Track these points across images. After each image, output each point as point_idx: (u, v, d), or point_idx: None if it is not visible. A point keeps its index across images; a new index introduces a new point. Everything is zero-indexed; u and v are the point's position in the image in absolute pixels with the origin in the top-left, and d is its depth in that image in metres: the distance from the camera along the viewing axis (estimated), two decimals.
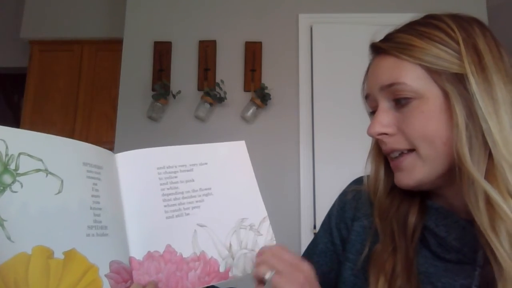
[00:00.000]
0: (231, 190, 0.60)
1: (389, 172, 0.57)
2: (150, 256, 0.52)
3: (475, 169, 0.45)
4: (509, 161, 0.44)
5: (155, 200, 0.55)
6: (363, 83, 0.59)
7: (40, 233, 0.44)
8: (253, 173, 0.63)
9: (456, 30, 0.50)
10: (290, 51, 2.54)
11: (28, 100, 2.96)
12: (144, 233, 0.53)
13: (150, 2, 2.62)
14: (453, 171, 0.48)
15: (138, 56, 2.56)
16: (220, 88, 2.45)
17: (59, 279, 0.44)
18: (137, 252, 0.52)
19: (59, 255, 0.45)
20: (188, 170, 0.58)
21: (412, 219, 0.54)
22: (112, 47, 2.92)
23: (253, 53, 2.53)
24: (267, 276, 0.50)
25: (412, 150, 0.51)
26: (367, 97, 0.57)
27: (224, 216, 0.58)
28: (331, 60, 2.49)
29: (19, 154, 0.45)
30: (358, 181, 0.66)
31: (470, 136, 0.46)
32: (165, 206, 0.55)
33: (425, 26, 0.53)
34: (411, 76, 0.50)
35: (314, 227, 2.30)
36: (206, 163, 0.60)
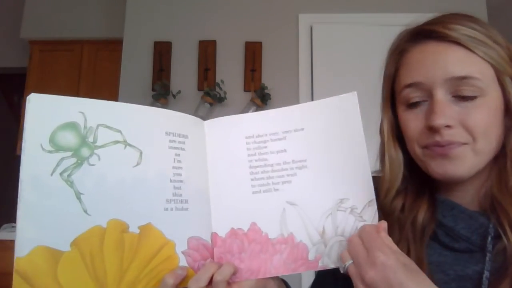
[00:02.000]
0: (331, 162, 0.50)
1: (406, 166, 0.57)
2: (233, 233, 0.48)
3: None
4: None
5: (242, 172, 0.50)
6: (389, 68, 0.58)
7: (116, 207, 0.43)
8: (364, 141, 0.50)
9: (502, 38, 0.53)
10: (290, 51, 2.54)
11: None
12: (228, 208, 0.49)
13: (150, 2, 2.62)
14: (486, 167, 0.52)
15: (138, 56, 2.56)
16: (220, 88, 2.44)
17: (134, 254, 0.44)
18: (220, 228, 0.49)
19: (134, 229, 0.44)
20: (280, 139, 0.51)
21: (422, 214, 0.55)
22: (112, 47, 2.92)
23: (253, 53, 2.53)
24: (346, 264, 0.45)
25: (465, 143, 0.51)
26: (412, 85, 0.53)
27: (319, 194, 0.49)
28: (331, 60, 2.49)
29: (98, 126, 0.44)
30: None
31: None
32: (252, 179, 0.50)
33: (483, 27, 0.53)
34: (482, 72, 0.50)
35: None
36: (302, 129, 0.51)
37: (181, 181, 0.48)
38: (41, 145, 0.41)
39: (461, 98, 0.50)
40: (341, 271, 0.46)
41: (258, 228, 0.49)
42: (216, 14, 2.60)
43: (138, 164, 0.46)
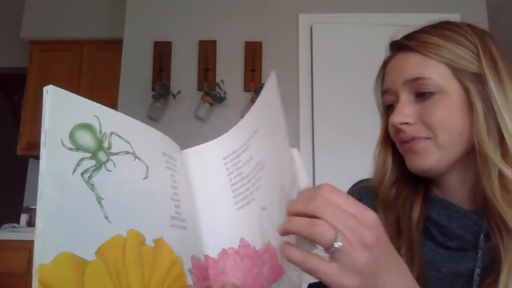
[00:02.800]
0: (276, 153, 0.47)
1: (396, 163, 0.62)
2: (225, 253, 0.48)
3: (493, 153, 0.52)
4: None
5: (225, 192, 0.50)
6: (378, 79, 0.64)
7: (132, 217, 0.42)
8: (282, 118, 0.47)
9: (473, 36, 0.57)
10: (290, 51, 2.54)
11: (28, 100, 2.96)
12: (217, 229, 0.49)
13: (150, 2, 2.62)
14: (461, 162, 0.56)
15: (138, 56, 2.56)
16: (220, 88, 2.44)
17: (152, 268, 0.42)
18: (211, 249, 0.49)
19: (149, 242, 0.42)
20: (247, 148, 0.51)
21: (417, 210, 0.58)
22: (112, 47, 2.92)
23: (253, 53, 2.53)
24: (337, 245, 0.33)
25: (428, 138, 0.55)
26: (385, 91, 0.61)
27: (276, 190, 0.46)
28: (331, 60, 2.49)
29: (111, 133, 0.43)
30: (362, 181, 0.70)
31: (488, 127, 0.53)
32: (234, 197, 0.50)
33: (447, 30, 0.58)
34: (436, 72, 0.55)
35: None
36: (257, 130, 0.50)
37: (179, 200, 0.48)
38: (61, 140, 0.38)
39: (420, 97, 0.56)
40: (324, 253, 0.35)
41: (247, 243, 0.48)
42: (216, 14, 2.60)
43: (146, 177, 0.45)
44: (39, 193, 0.36)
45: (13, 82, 3.83)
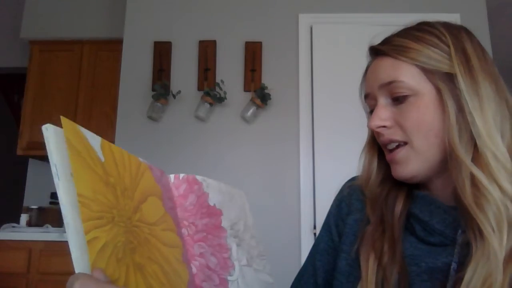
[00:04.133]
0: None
1: (381, 163, 0.63)
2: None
3: (464, 154, 0.51)
4: (492, 150, 0.51)
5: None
6: (362, 84, 0.65)
7: None
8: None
9: (446, 35, 0.57)
10: (290, 51, 2.54)
11: (28, 100, 2.96)
12: None
13: (150, 2, 2.62)
14: (443, 164, 0.55)
15: (138, 56, 2.56)
16: (220, 88, 2.44)
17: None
18: None
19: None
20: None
21: (399, 206, 0.59)
22: (112, 47, 2.92)
23: (253, 53, 2.53)
24: None
25: (406, 143, 0.56)
26: (366, 96, 0.62)
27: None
28: (331, 60, 2.49)
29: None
30: (353, 179, 0.71)
31: (459, 127, 0.52)
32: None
33: (420, 31, 0.59)
34: (407, 75, 0.56)
35: (314, 227, 2.30)
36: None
37: None
38: (70, 173, 0.38)
39: (396, 100, 0.57)
40: None
41: None
42: (216, 14, 2.60)
43: None
44: (65, 222, 0.37)
45: (13, 82, 3.83)
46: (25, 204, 3.04)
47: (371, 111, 0.62)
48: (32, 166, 3.17)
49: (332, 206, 0.71)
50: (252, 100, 2.41)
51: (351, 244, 0.62)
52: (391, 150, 0.58)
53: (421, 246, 0.56)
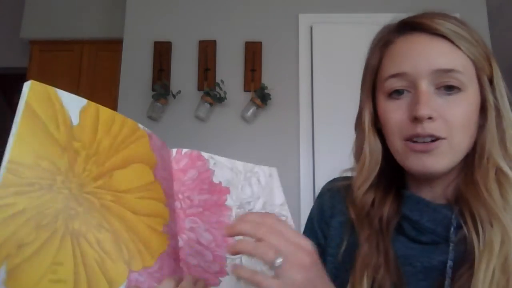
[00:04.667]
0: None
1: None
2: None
3: (499, 155, 0.52)
4: None
5: None
6: (374, 57, 0.58)
7: None
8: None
9: (480, 37, 0.55)
10: (290, 51, 2.54)
11: None
12: None
13: (150, 2, 2.62)
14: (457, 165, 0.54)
15: (138, 56, 2.56)
16: (220, 88, 2.45)
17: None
18: None
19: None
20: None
21: (387, 209, 0.58)
22: (112, 47, 2.92)
23: (253, 53, 2.53)
24: (278, 262, 0.40)
25: (444, 138, 0.52)
26: (397, 75, 0.54)
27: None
28: (331, 60, 2.49)
29: None
30: (333, 181, 0.69)
31: (496, 131, 0.53)
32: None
33: (464, 25, 0.55)
34: (465, 66, 0.52)
35: None
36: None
37: None
38: None
39: (443, 90, 0.52)
40: (270, 267, 0.41)
41: None
42: (216, 14, 2.60)
43: None
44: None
45: (13, 82, 3.82)
46: None
47: (394, 93, 0.54)
48: None
49: (313, 209, 0.70)
50: (252, 100, 2.41)
51: (337, 247, 0.61)
52: (425, 142, 0.52)
53: (413, 245, 0.56)
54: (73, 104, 0.43)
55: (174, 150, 0.55)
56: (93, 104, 0.44)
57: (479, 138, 0.54)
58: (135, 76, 2.54)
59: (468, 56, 0.52)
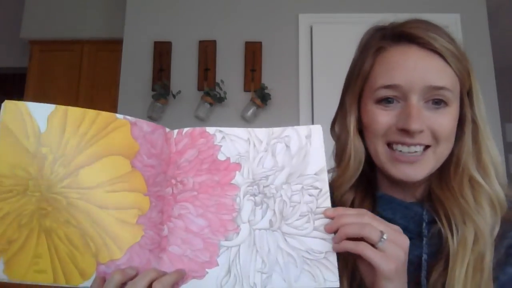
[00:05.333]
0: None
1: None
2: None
3: (471, 165, 0.57)
4: (493, 162, 0.58)
5: None
6: (366, 63, 0.59)
7: None
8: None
9: (466, 55, 0.58)
10: (290, 51, 2.54)
11: (28, 100, 2.95)
12: None
13: (150, 2, 2.62)
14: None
15: (138, 56, 2.56)
16: (220, 88, 2.45)
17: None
18: None
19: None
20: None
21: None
22: (112, 47, 2.92)
23: (253, 53, 2.53)
24: (384, 238, 0.45)
25: (428, 146, 0.56)
26: (392, 86, 0.55)
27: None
28: (331, 60, 2.49)
29: None
30: None
31: (472, 141, 0.57)
32: None
33: (453, 40, 0.57)
34: (453, 83, 0.55)
35: None
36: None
37: None
38: None
39: (431, 104, 0.55)
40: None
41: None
42: (216, 14, 2.60)
43: None
44: None
45: (13, 82, 3.82)
46: None
47: (384, 100, 0.56)
48: None
49: None
50: (252, 100, 2.41)
51: None
52: (411, 152, 0.56)
53: None
54: (40, 112, 0.48)
55: (175, 132, 0.52)
56: (61, 108, 0.48)
57: (455, 148, 0.58)
58: (135, 76, 2.54)
59: (456, 73, 0.55)
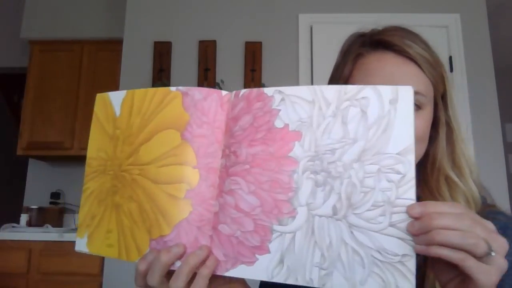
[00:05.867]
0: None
1: None
2: None
3: (447, 165, 0.59)
4: (468, 164, 0.60)
5: None
6: (344, 69, 0.63)
7: None
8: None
9: (441, 61, 0.61)
10: (290, 51, 2.54)
11: (28, 100, 2.96)
12: None
13: (150, 2, 2.62)
14: None
15: (138, 56, 2.56)
16: (220, 88, 2.44)
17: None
18: None
19: None
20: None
21: None
22: (112, 47, 2.92)
23: (253, 53, 2.53)
24: (492, 254, 0.37)
25: None
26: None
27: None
28: (331, 60, 2.48)
29: None
30: None
31: (447, 147, 0.60)
32: None
33: (428, 47, 0.60)
34: (426, 88, 0.58)
35: None
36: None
37: None
38: None
39: None
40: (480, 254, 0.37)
41: None
42: (216, 14, 2.60)
43: None
44: None
45: (13, 82, 3.82)
46: (25, 204, 3.04)
47: None
48: (32, 166, 3.17)
49: None
50: None
51: None
52: None
53: None
54: (117, 99, 0.52)
55: (232, 94, 0.46)
56: (129, 92, 0.51)
57: (431, 149, 0.61)
58: (135, 76, 2.54)
59: (430, 79, 0.58)
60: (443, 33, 2.42)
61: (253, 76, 2.51)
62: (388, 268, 0.38)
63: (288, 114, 0.43)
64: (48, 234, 2.47)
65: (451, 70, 2.37)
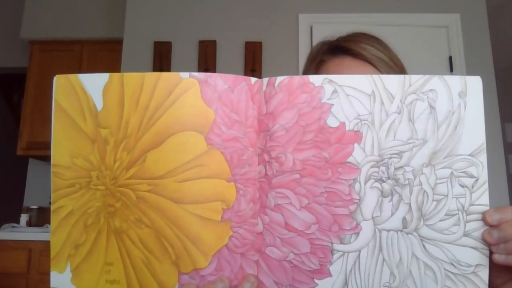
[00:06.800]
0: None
1: None
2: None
3: None
4: None
5: None
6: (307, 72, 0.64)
7: None
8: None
9: (399, 60, 0.61)
10: (290, 51, 2.54)
11: (28, 100, 2.96)
12: None
13: (150, 2, 2.62)
14: None
15: (138, 56, 2.56)
16: None
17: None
18: None
19: None
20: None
21: None
22: (112, 47, 2.92)
23: (253, 53, 2.53)
24: None
25: None
26: None
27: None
28: None
29: None
30: None
31: None
32: None
33: (386, 50, 0.61)
34: None
35: None
36: None
37: None
38: None
39: None
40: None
41: None
42: (216, 14, 2.60)
43: None
44: None
45: (13, 82, 3.83)
46: (25, 204, 3.04)
47: None
48: (32, 166, 3.17)
49: None
50: None
51: None
52: None
53: None
54: (94, 86, 0.38)
55: (264, 82, 0.37)
56: (115, 76, 0.38)
57: None
58: None
59: None
60: (443, 33, 2.42)
61: (253, 76, 2.51)
62: (461, 280, 0.35)
63: (343, 109, 0.36)
64: (48, 234, 2.46)
65: (451, 70, 2.37)
